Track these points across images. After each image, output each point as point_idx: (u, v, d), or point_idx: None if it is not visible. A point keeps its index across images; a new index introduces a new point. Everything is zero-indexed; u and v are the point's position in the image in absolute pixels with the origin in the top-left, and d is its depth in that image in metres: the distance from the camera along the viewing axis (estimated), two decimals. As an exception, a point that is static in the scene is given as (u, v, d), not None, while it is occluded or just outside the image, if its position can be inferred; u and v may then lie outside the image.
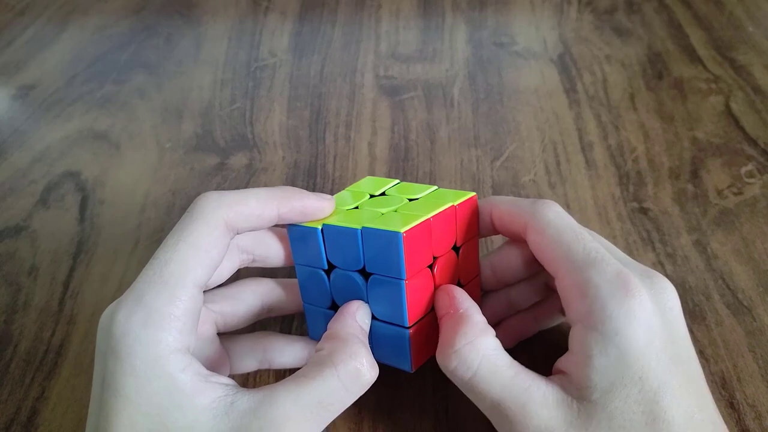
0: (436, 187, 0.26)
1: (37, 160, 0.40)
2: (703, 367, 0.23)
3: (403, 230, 0.21)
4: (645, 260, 0.32)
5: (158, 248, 0.22)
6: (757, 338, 0.28)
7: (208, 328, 0.25)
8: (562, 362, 0.22)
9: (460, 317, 0.22)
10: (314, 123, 0.42)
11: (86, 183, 0.38)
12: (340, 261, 0.24)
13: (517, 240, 0.25)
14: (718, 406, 0.24)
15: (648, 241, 0.33)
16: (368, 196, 0.26)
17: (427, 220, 0.22)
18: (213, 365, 0.25)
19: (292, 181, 0.38)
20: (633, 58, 0.46)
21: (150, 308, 0.20)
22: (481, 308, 0.23)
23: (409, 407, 0.27)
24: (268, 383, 0.22)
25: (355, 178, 0.38)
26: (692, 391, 0.20)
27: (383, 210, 0.24)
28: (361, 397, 0.27)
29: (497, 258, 0.27)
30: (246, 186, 0.37)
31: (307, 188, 0.35)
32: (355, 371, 0.21)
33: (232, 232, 0.23)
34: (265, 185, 0.37)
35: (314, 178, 0.38)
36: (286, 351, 0.27)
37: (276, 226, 0.25)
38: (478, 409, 0.27)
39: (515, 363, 0.22)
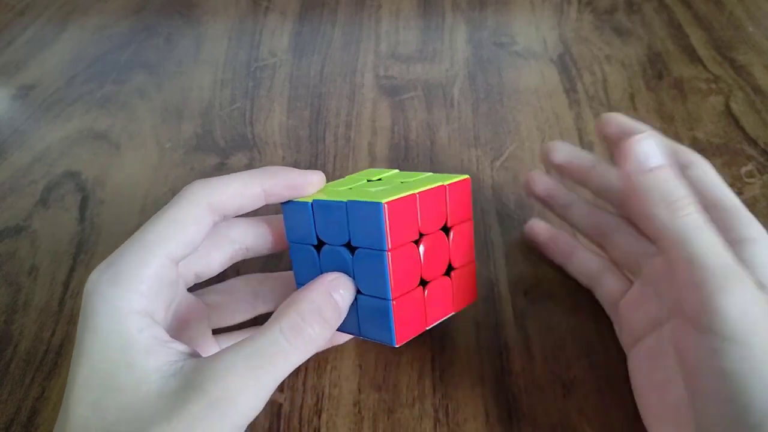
0: (431, 173, 0.27)
1: (37, 160, 0.40)
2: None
3: (384, 201, 0.21)
4: (645, 260, 0.32)
5: None
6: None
7: (177, 295, 0.24)
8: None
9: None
10: (314, 123, 0.42)
11: (86, 183, 0.38)
12: (328, 236, 0.24)
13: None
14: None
15: (648, 241, 0.33)
16: (365, 181, 0.27)
17: (412, 194, 0.23)
18: (189, 324, 0.25)
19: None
20: (633, 58, 0.46)
21: (118, 269, 0.21)
22: None
23: (409, 407, 0.27)
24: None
25: (355, 178, 0.38)
26: None
27: (375, 189, 0.24)
28: (361, 397, 0.27)
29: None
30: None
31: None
32: (296, 325, 0.21)
33: (215, 213, 0.23)
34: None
35: (314, 178, 0.38)
36: None
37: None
38: (477, 409, 0.27)
39: None
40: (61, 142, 0.41)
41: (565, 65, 0.46)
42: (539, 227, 0.32)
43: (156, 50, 0.49)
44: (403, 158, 0.39)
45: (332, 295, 0.22)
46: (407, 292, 0.23)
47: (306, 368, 0.28)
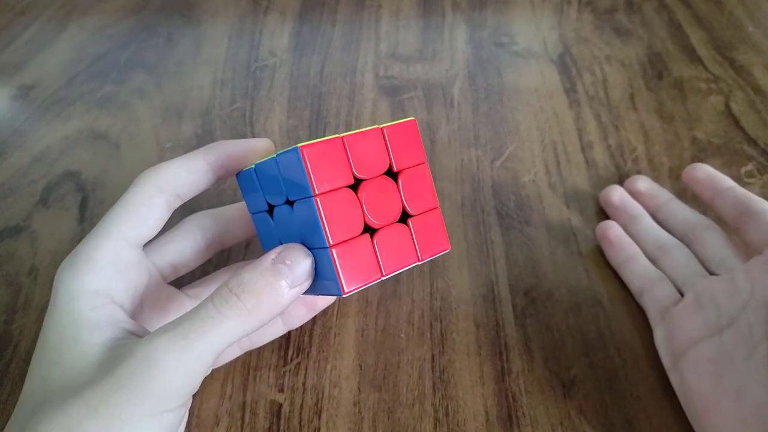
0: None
1: (37, 160, 0.40)
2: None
3: (300, 145, 0.21)
4: (645, 260, 0.32)
5: None
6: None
7: (147, 280, 0.25)
8: None
9: None
10: (314, 123, 0.42)
11: (86, 183, 0.38)
12: (272, 197, 0.24)
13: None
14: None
15: (648, 241, 0.33)
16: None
17: (337, 138, 0.22)
18: (169, 316, 0.26)
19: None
20: (633, 58, 0.46)
21: (76, 254, 0.23)
22: None
23: (409, 407, 0.27)
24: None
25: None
26: None
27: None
28: (361, 397, 0.27)
29: None
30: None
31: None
32: (224, 293, 0.21)
33: (166, 193, 0.24)
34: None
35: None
36: None
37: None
38: (477, 409, 0.27)
39: None
40: (61, 142, 0.41)
41: (565, 65, 0.46)
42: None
43: (156, 50, 0.49)
44: (403, 158, 0.39)
45: (275, 266, 0.22)
46: (349, 239, 0.22)
47: (306, 368, 0.28)
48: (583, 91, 0.43)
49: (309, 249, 0.23)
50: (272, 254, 0.22)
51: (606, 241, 0.32)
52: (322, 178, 0.22)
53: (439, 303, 0.31)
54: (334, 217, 0.22)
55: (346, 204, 0.22)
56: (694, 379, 0.25)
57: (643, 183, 0.35)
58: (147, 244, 0.26)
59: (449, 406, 0.27)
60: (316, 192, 0.21)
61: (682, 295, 0.29)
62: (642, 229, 0.32)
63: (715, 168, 0.32)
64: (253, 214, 0.25)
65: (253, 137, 0.41)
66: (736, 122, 0.40)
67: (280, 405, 0.27)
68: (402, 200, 0.24)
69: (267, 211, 0.25)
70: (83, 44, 0.50)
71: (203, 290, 0.28)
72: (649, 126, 0.40)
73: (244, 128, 0.42)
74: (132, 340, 0.21)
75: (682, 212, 0.33)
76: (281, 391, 0.27)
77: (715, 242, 0.30)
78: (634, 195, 0.35)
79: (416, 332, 0.29)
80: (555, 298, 0.31)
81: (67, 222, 0.36)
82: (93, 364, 0.20)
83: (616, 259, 0.32)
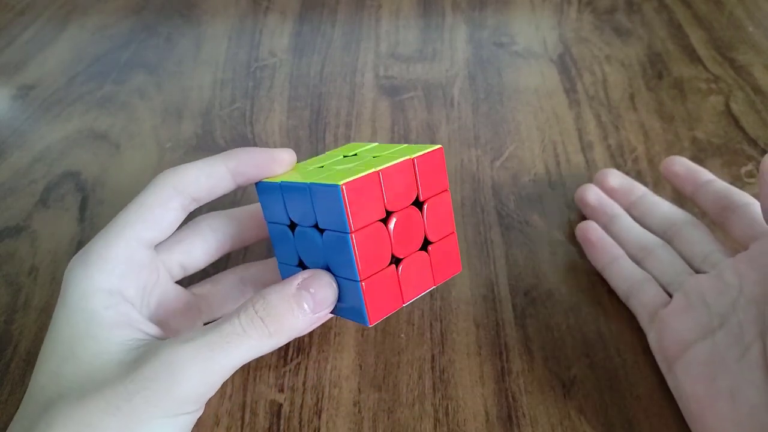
0: (407, 145, 0.26)
1: (37, 160, 0.40)
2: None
3: (341, 183, 0.21)
4: (645, 260, 0.32)
5: None
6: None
7: (156, 280, 0.25)
8: None
9: None
10: (314, 123, 0.42)
11: (86, 183, 0.38)
12: (298, 217, 0.24)
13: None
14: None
15: (648, 241, 0.33)
16: (341, 157, 0.26)
17: (374, 173, 0.22)
18: (176, 315, 0.26)
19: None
20: (633, 58, 0.46)
21: (88, 252, 0.23)
22: None
23: (409, 407, 0.27)
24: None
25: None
26: None
27: (342, 167, 0.24)
28: (361, 397, 0.27)
29: None
30: (245, 190, 0.37)
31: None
32: (250, 313, 0.21)
33: (182, 196, 0.24)
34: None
35: (314, 178, 0.38)
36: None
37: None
38: (477, 409, 0.27)
39: None
40: (61, 142, 0.41)
41: (565, 65, 0.46)
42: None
43: (156, 50, 0.49)
44: (403, 158, 0.39)
45: (300, 292, 0.22)
46: (377, 272, 0.23)
47: (306, 368, 0.28)
48: (583, 91, 0.43)
49: (334, 274, 0.23)
50: (298, 278, 0.23)
51: (588, 243, 0.32)
52: (358, 214, 0.22)
53: (439, 303, 0.31)
54: (366, 252, 0.22)
55: (377, 238, 0.23)
56: (689, 382, 0.25)
57: (615, 178, 0.34)
58: None
59: (449, 406, 0.27)
60: (353, 229, 0.22)
61: (669, 295, 0.28)
62: (622, 230, 0.32)
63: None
64: (269, 222, 0.25)
65: (253, 137, 0.41)
66: (736, 122, 0.40)
67: (280, 405, 0.27)
68: (425, 228, 0.24)
69: (288, 225, 0.24)
70: (83, 44, 0.50)
71: (209, 290, 0.28)
72: (649, 126, 0.40)
73: (244, 128, 0.42)
74: (151, 341, 0.22)
75: (659, 207, 0.32)
76: (281, 391, 0.27)
77: (697, 238, 0.29)
78: (607, 191, 0.34)
79: (416, 332, 0.29)
80: (555, 298, 0.31)
81: (67, 222, 0.36)
82: (112, 362, 0.21)
83: (599, 261, 0.31)
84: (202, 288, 0.28)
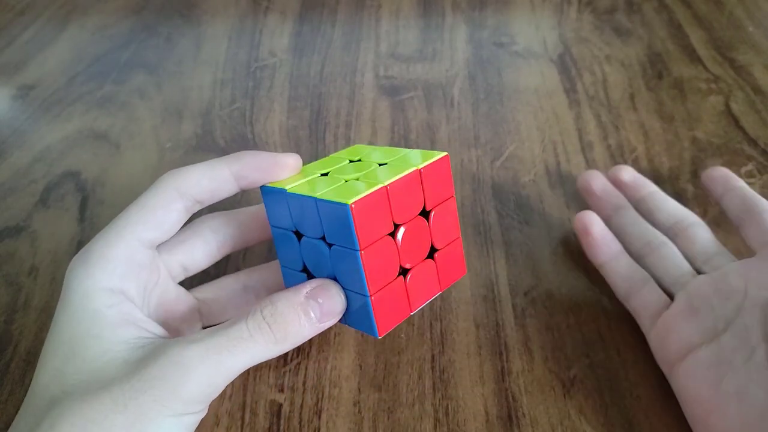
0: (413, 150, 0.26)
1: (37, 160, 0.40)
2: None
3: (350, 202, 0.21)
4: (645, 260, 0.32)
5: None
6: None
7: (157, 280, 0.25)
8: None
9: None
10: (314, 123, 0.42)
11: (86, 183, 0.38)
12: (305, 228, 0.24)
13: None
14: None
15: (648, 241, 0.33)
16: (347, 162, 0.26)
17: (382, 188, 0.22)
18: (176, 315, 0.26)
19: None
20: (633, 58, 0.46)
21: (89, 251, 0.23)
22: None
23: (409, 407, 0.27)
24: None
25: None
26: None
27: (348, 177, 0.24)
28: (361, 397, 0.27)
29: None
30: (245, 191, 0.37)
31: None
32: (258, 319, 0.22)
33: (185, 198, 0.24)
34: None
35: (314, 178, 0.38)
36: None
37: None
38: (477, 409, 0.27)
39: None
40: (61, 142, 0.41)
41: (565, 65, 0.46)
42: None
43: (156, 50, 0.49)
44: (403, 158, 0.39)
45: (308, 302, 0.23)
46: (386, 285, 0.23)
47: (306, 368, 0.28)
48: (583, 91, 0.43)
49: (342, 286, 0.23)
50: (307, 287, 0.23)
51: (589, 237, 0.31)
52: (367, 231, 0.22)
53: (439, 303, 0.31)
54: (374, 267, 0.22)
55: (386, 252, 0.23)
56: (693, 384, 0.25)
57: (627, 173, 0.33)
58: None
59: (449, 406, 0.27)
60: (362, 247, 0.22)
61: (668, 294, 0.28)
62: (628, 224, 0.31)
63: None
64: (273, 226, 0.25)
65: (253, 137, 0.41)
66: (736, 122, 0.40)
67: (280, 405, 0.27)
68: (431, 236, 0.24)
69: (293, 231, 0.24)
70: (83, 44, 0.50)
71: (211, 295, 0.28)
72: (649, 126, 0.40)
73: (244, 128, 0.42)
74: (156, 340, 0.22)
75: (666, 204, 0.31)
76: (281, 391, 0.27)
77: (701, 238, 0.29)
78: (617, 185, 0.33)
79: (416, 332, 0.29)
80: (555, 298, 0.31)
81: (67, 222, 0.36)
82: (116, 360, 0.21)
83: (599, 257, 0.30)
84: (205, 292, 0.28)
